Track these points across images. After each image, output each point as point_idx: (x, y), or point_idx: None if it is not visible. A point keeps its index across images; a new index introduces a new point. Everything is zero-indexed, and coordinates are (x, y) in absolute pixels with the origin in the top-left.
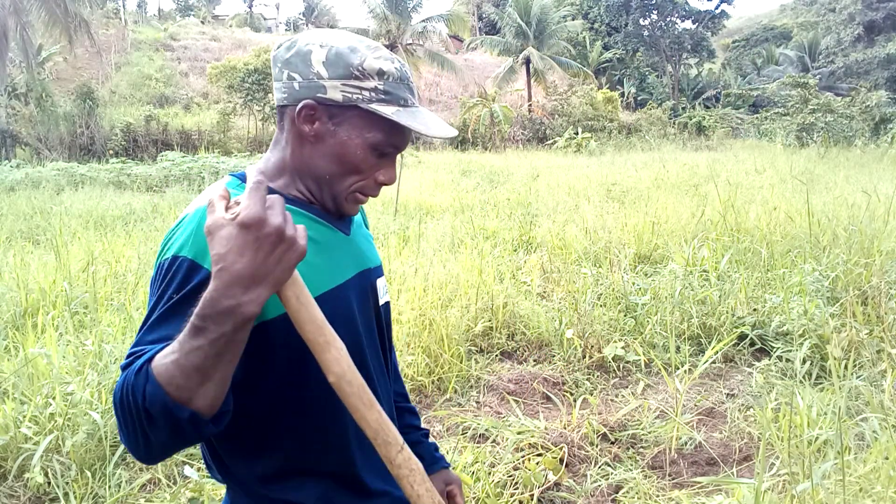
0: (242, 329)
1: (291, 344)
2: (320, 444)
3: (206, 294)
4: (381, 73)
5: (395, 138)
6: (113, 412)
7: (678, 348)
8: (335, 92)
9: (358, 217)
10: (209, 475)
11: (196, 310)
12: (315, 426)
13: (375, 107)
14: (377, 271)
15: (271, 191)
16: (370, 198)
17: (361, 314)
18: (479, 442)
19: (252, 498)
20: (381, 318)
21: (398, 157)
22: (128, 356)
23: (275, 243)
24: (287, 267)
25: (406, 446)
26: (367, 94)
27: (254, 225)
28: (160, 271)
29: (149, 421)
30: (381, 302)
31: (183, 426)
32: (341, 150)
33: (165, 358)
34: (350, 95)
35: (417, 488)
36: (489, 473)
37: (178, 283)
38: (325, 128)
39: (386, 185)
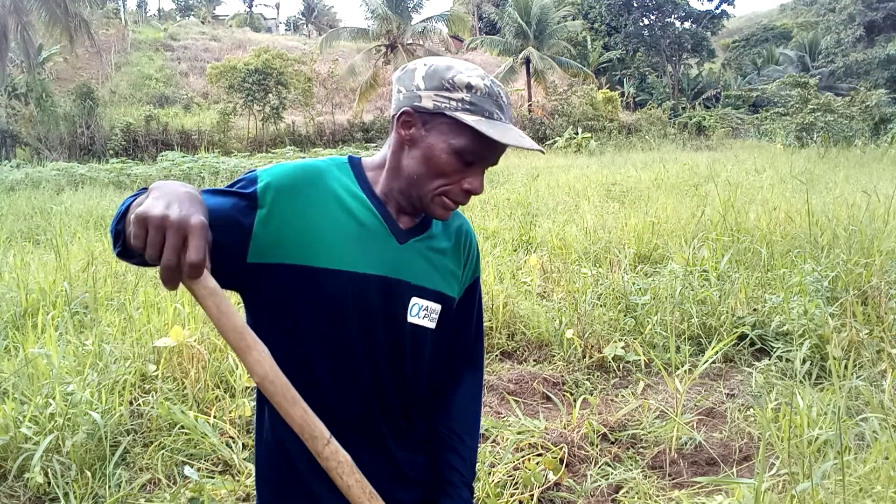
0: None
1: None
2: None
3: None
4: (469, 87)
5: (479, 147)
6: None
7: (678, 348)
8: (428, 101)
9: (443, 244)
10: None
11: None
12: (307, 381)
13: (459, 115)
14: (419, 291)
15: (363, 179)
16: (456, 207)
17: (365, 314)
18: (479, 442)
19: (266, 437)
20: (405, 337)
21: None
22: None
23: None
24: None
25: (333, 440)
26: (454, 103)
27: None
28: (244, 174)
29: (115, 220)
30: (411, 320)
31: (113, 231)
32: (429, 153)
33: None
34: (439, 104)
35: (347, 479)
36: (489, 473)
37: (239, 182)
38: (418, 133)
39: (472, 193)
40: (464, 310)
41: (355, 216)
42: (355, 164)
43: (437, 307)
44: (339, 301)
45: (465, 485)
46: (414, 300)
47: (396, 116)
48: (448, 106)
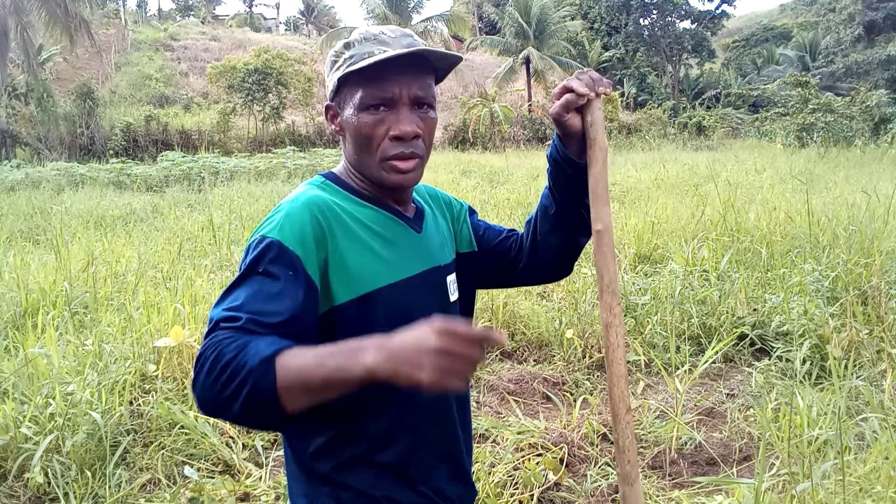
0: (352, 382)
1: (389, 318)
2: (397, 432)
3: (357, 343)
4: (347, 46)
5: (373, 88)
6: (198, 374)
7: (678, 348)
8: (330, 84)
9: (434, 213)
10: (285, 471)
11: (340, 347)
12: (396, 415)
13: (340, 74)
14: (448, 269)
15: (349, 188)
16: (410, 162)
17: (434, 310)
18: (479, 442)
19: (327, 486)
20: (449, 314)
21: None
22: (225, 317)
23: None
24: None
25: (620, 304)
26: (342, 69)
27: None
28: (254, 247)
29: (239, 395)
30: (452, 299)
31: (266, 415)
32: (348, 127)
33: (294, 361)
34: (334, 79)
35: (619, 339)
36: (489, 473)
37: (270, 259)
38: (340, 117)
39: (402, 137)
40: (485, 227)
41: (373, 227)
42: (334, 179)
43: (454, 275)
44: (402, 313)
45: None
46: (449, 279)
47: (325, 117)
48: (339, 73)
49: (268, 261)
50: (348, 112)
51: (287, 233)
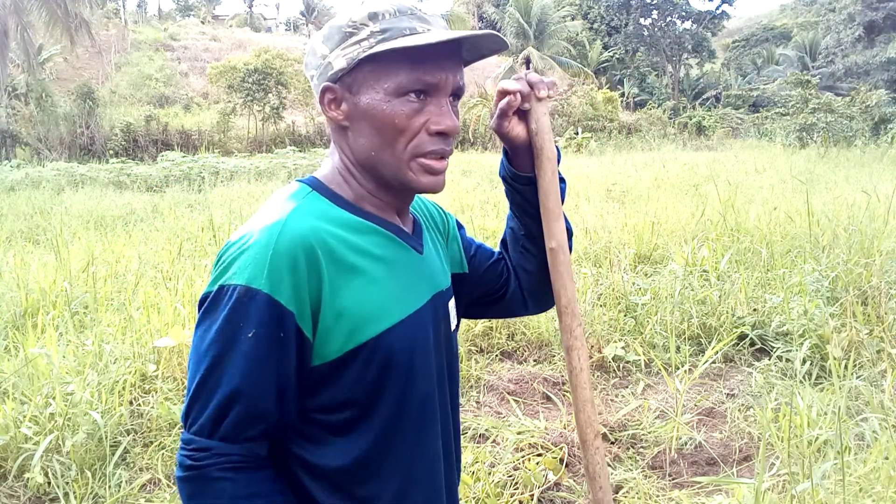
0: None
1: (402, 358)
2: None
3: None
4: (373, 17)
5: (417, 72)
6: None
7: (678, 348)
8: (340, 61)
9: (428, 227)
10: None
11: None
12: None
13: (376, 50)
14: (448, 293)
15: (341, 199)
16: (443, 163)
17: (438, 342)
18: (479, 442)
19: None
20: (451, 345)
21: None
22: (193, 447)
23: None
24: None
25: (581, 325)
26: (365, 44)
27: None
28: (232, 298)
29: None
30: (452, 327)
31: None
32: (371, 115)
33: None
34: (352, 55)
35: (581, 362)
36: (489, 473)
37: (258, 321)
38: (350, 104)
39: (445, 133)
40: (476, 247)
41: (375, 253)
42: (319, 187)
43: (454, 300)
44: (408, 349)
45: None
46: (450, 304)
47: (321, 101)
48: (361, 50)
49: (255, 323)
50: (372, 97)
51: (276, 282)
